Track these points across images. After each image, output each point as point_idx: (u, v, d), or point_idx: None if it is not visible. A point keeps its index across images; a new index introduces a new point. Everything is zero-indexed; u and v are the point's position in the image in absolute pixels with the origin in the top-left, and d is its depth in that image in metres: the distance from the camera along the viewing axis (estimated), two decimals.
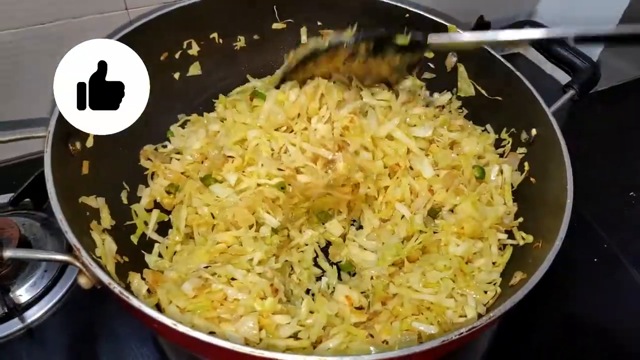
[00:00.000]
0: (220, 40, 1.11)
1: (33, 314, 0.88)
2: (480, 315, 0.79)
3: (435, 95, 1.16)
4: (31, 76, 1.02)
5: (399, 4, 1.11)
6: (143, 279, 0.80)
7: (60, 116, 0.79)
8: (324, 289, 0.88)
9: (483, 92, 1.09)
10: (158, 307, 0.77)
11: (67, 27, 1.00)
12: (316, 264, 0.92)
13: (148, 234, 0.91)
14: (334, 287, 0.87)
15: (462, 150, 1.03)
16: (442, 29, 1.09)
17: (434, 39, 0.92)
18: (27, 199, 1.01)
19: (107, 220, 0.85)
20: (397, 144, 0.99)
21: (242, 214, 0.89)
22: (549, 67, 1.44)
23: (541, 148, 0.96)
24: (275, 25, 1.15)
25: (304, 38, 1.19)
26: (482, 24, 1.42)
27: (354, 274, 0.91)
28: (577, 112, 1.27)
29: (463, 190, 0.97)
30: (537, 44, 1.12)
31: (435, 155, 1.02)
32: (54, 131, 0.78)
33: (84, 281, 0.69)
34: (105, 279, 0.65)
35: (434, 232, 0.92)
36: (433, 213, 0.96)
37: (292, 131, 1.00)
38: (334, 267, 0.92)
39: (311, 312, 0.80)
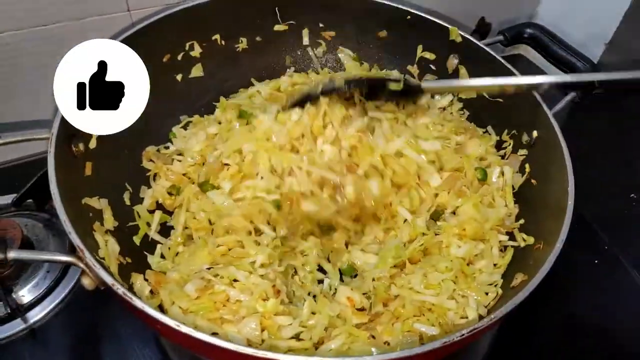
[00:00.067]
0: (223, 42, 1.12)
1: (35, 315, 0.88)
2: (481, 317, 0.79)
3: (437, 97, 1.16)
4: (32, 78, 1.02)
5: (400, 6, 1.11)
6: (146, 280, 0.80)
7: (64, 118, 0.79)
8: (325, 290, 0.88)
9: (484, 93, 1.09)
10: (160, 308, 0.77)
11: (69, 29, 1.00)
12: (318, 266, 0.92)
13: (150, 235, 0.91)
14: (335, 289, 0.87)
15: (466, 153, 1.02)
16: (444, 30, 1.09)
17: (428, 84, 0.91)
18: (30, 200, 1.01)
19: (110, 221, 0.85)
20: (407, 160, 0.95)
21: (238, 222, 0.88)
22: (550, 69, 1.44)
23: (542, 150, 0.96)
24: (277, 27, 1.16)
25: (305, 40, 1.19)
26: (483, 26, 1.43)
27: (356, 276, 0.92)
28: (577, 113, 1.27)
29: (465, 192, 0.97)
30: (537, 46, 1.13)
31: (441, 158, 1.00)
32: (57, 133, 0.78)
33: (87, 282, 0.70)
34: (108, 280, 0.65)
35: (435, 234, 0.92)
36: (435, 215, 0.96)
37: (297, 151, 0.94)
38: (336, 268, 0.92)
39: (313, 313, 0.80)
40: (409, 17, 1.11)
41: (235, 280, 0.81)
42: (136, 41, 0.88)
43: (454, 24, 1.09)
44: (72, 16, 1.00)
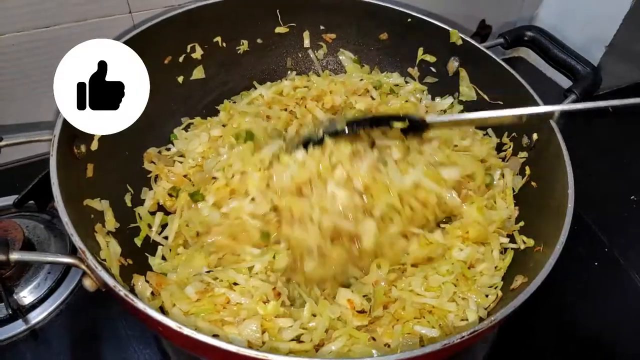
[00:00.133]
0: (224, 44, 1.12)
1: (37, 316, 0.89)
2: (481, 319, 0.79)
3: (437, 99, 1.17)
4: (34, 79, 1.03)
5: (401, 9, 1.12)
6: (147, 281, 0.80)
7: (66, 120, 0.80)
8: (326, 292, 0.88)
9: (484, 96, 1.10)
10: (161, 310, 0.77)
11: (71, 31, 1.01)
12: None
13: (152, 236, 0.92)
14: (336, 291, 0.88)
15: (475, 156, 1.00)
16: (445, 33, 1.10)
17: (433, 118, 0.88)
18: (31, 201, 1.01)
19: (111, 222, 0.85)
20: (426, 192, 0.88)
21: (220, 242, 0.86)
22: (550, 72, 1.44)
23: (542, 152, 0.96)
24: (278, 29, 1.16)
25: (306, 42, 1.20)
26: (483, 29, 1.43)
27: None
28: (578, 116, 1.27)
29: (471, 197, 0.96)
30: (537, 49, 1.13)
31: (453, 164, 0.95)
32: (59, 135, 0.78)
33: (88, 283, 0.70)
34: (110, 281, 0.66)
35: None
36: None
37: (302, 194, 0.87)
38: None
39: (314, 315, 0.80)
40: (409, 19, 1.12)
41: (235, 284, 0.81)
42: (138, 43, 0.88)
43: (454, 26, 1.09)
44: (74, 18, 1.00)
